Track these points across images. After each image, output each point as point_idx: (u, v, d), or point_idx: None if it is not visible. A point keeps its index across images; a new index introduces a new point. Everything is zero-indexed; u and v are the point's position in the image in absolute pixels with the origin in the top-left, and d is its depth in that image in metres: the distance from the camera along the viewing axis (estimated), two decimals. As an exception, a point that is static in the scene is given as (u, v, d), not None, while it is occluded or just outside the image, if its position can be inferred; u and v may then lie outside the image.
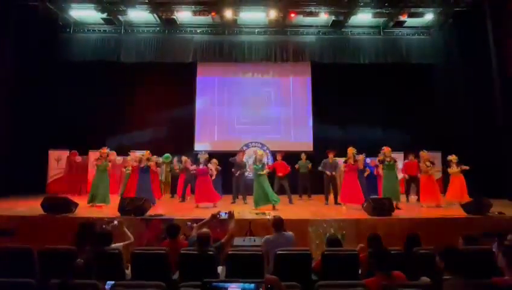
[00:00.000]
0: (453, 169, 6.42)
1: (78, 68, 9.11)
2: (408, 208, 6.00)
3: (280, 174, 7.06)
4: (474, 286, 1.94)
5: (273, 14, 8.31)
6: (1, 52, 7.45)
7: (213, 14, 8.47)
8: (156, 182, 7.13)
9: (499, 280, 2.07)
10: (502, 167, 7.19)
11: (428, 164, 6.23)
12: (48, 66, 8.76)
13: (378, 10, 8.36)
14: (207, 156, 6.56)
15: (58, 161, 8.84)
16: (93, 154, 8.63)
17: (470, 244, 2.93)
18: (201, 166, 6.33)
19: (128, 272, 2.98)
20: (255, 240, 3.87)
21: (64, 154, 8.82)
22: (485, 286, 1.97)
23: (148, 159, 6.46)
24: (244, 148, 9.07)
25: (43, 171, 8.73)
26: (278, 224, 3.25)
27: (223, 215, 3.18)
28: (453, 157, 6.47)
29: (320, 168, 6.93)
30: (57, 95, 8.99)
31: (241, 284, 1.58)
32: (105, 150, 6.39)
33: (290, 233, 3.34)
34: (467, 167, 6.37)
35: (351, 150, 6.19)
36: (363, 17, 8.65)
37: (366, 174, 6.89)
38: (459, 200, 5.99)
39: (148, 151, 6.64)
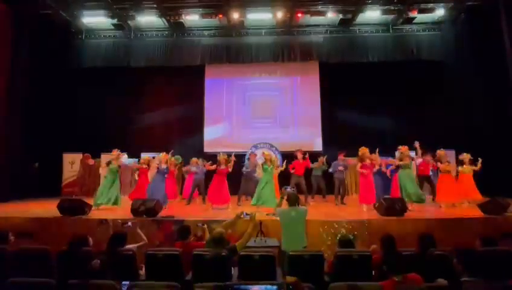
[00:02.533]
0: (466, 168, 6.33)
1: (89, 73, 9.34)
2: (421, 208, 5.87)
3: (298, 173, 7.01)
4: (495, 288, 1.89)
5: (280, 14, 8.32)
6: (16, 59, 7.71)
7: (220, 16, 8.54)
8: (173, 183, 7.13)
9: (520, 282, 2.00)
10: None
11: (445, 163, 6.16)
12: (61, 72, 9.02)
13: (387, 7, 8.24)
14: (226, 156, 6.53)
15: (72, 164, 9.08)
16: (105, 157, 8.85)
17: (488, 246, 2.85)
18: (222, 167, 6.38)
19: (142, 272, 3.03)
20: (266, 241, 3.87)
21: (78, 157, 9.05)
22: (506, 288, 1.91)
23: (166, 161, 6.48)
24: (253, 148, 9.08)
25: (58, 174, 8.99)
26: (292, 200, 3.47)
27: (246, 216, 3.19)
28: (466, 156, 6.39)
29: (330, 170, 7.03)
30: (70, 100, 9.24)
31: (263, 286, 1.59)
32: (116, 152, 6.42)
33: (303, 207, 3.55)
34: (477, 168, 6.29)
35: (364, 150, 6.06)
36: (372, 14, 8.53)
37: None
38: (469, 198, 6.08)
39: (165, 153, 6.63)
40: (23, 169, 7.81)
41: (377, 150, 6.24)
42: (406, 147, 6.04)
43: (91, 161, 8.96)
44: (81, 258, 2.64)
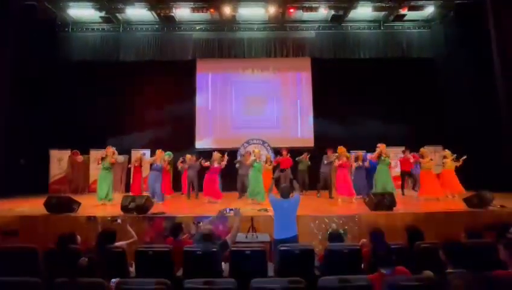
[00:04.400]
0: (448, 164, 6.76)
1: (77, 67, 9.10)
2: (408, 203, 6.02)
3: (284, 168, 7.53)
4: (478, 279, 1.95)
5: (272, 9, 8.27)
6: (1, 52, 7.42)
7: (212, 10, 8.43)
8: (167, 179, 7.23)
9: (501, 272, 2.08)
10: (505, 159, 7.15)
11: (427, 159, 6.54)
12: (48, 66, 8.74)
13: (378, 4, 8.30)
14: (220, 155, 6.82)
15: (59, 160, 8.86)
16: (94, 154, 8.69)
17: (473, 238, 2.94)
18: (215, 164, 6.61)
19: (132, 269, 3.00)
20: (257, 237, 3.89)
21: (66, 154, 8.84)
22: (488, 278, 1.98)
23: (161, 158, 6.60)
24: (245, 145, 9.07)
25: (45, 171, 8.76)
26: (284, 193, 3.53)
27: (228, 212, 3.20)
28: (447, 153, 6.87)
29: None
30: (57, 94, 8.99)
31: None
32: (110, 149, 6.46)
33: (296, 197, 3.54)
34: (458, 164, 6.74)
35: (342, 149, 6.65)
36: (363, 11, 8.59)
37: (356, 166, 6.98)
38: (453, 192, 6.53)
39: (161, 150, 6.74)
40: (9, 166, 7.57)
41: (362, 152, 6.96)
42: (384, 145, 6.51)
43: (80, 158, 8.77)
44: (69, 256, 2.59)
